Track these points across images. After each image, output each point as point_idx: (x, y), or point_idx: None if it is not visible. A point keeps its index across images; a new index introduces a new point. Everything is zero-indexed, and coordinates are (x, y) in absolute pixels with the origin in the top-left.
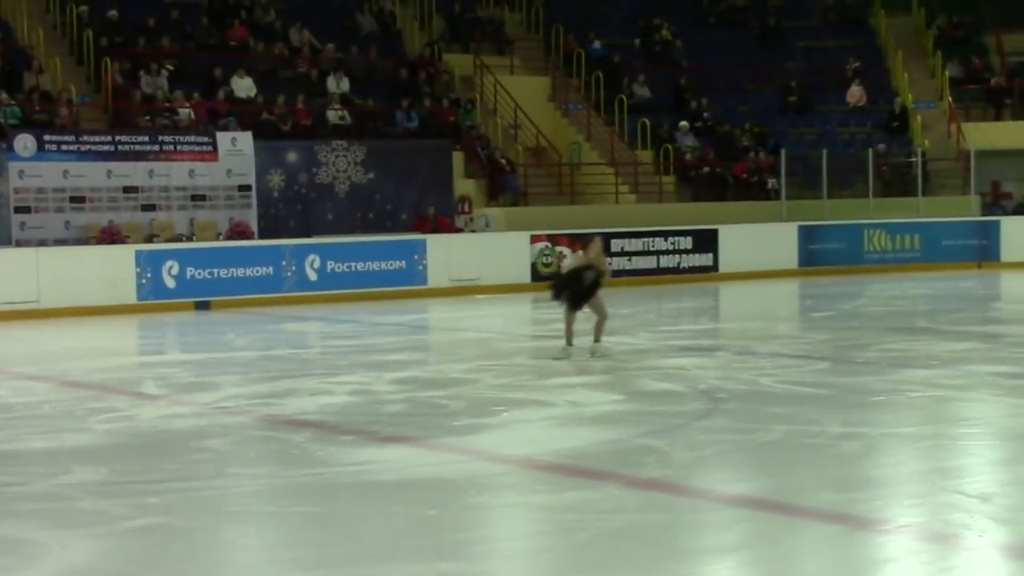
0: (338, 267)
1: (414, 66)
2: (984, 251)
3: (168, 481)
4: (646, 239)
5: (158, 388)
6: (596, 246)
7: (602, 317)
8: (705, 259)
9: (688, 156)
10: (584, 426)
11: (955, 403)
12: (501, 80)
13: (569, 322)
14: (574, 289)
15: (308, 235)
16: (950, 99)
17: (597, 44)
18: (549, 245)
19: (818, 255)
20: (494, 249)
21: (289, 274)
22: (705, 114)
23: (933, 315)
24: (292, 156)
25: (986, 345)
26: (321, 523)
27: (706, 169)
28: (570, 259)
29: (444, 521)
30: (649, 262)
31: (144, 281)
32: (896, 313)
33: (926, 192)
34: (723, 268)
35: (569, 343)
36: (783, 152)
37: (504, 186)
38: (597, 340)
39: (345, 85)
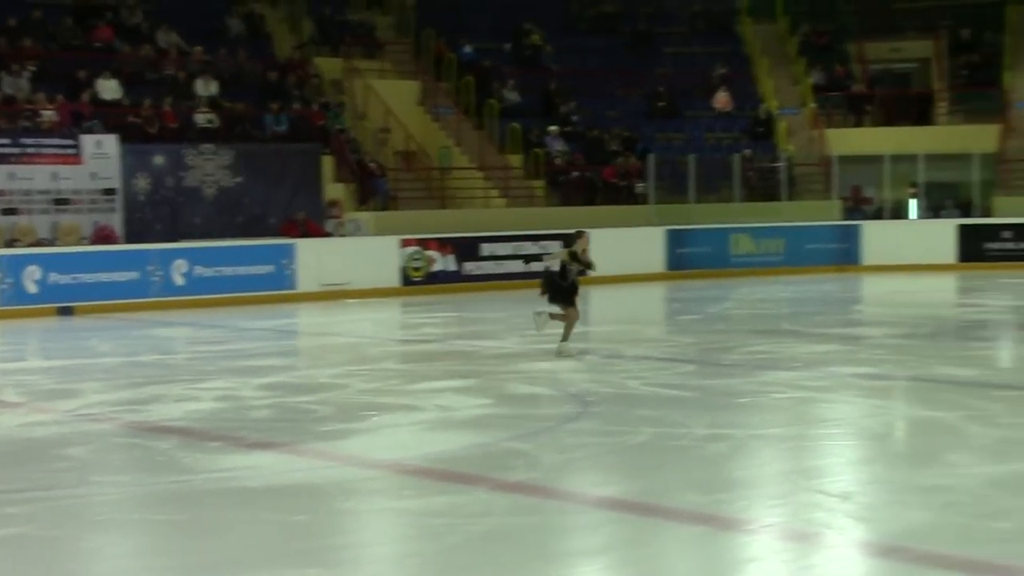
0: (206, 272)
1: (283, 69)
2: (845, 255)
3: (29, 490)
4: (516, 243)
5: (18, 395)
6: (584, 241)
7: (573, 317)
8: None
9: (558, 160)
10: (453, 430)
11: (817, 404)
12: (371, 84)
13: (570, 318)
14: (557, 285)
15: (175, 239)
16: (813, 105)
17: (468, 48)
18: (419, 249)
19: (686, 259)
20: (364, 253)
21: (156, 279)
22: (575, 119)
23: (796, 318)
24: (159, 159)
25: (846, 347)
26: (188, 530)
27: (576, 173)
28: (556, 252)
29: (313, 527)
30: (519, 266)
31: (5, 287)
32: (761, 316)
33: (790, 197)
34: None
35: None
36: (651, 157)
37: (374, 190)
38: (565, 339)
39: (213, 88)
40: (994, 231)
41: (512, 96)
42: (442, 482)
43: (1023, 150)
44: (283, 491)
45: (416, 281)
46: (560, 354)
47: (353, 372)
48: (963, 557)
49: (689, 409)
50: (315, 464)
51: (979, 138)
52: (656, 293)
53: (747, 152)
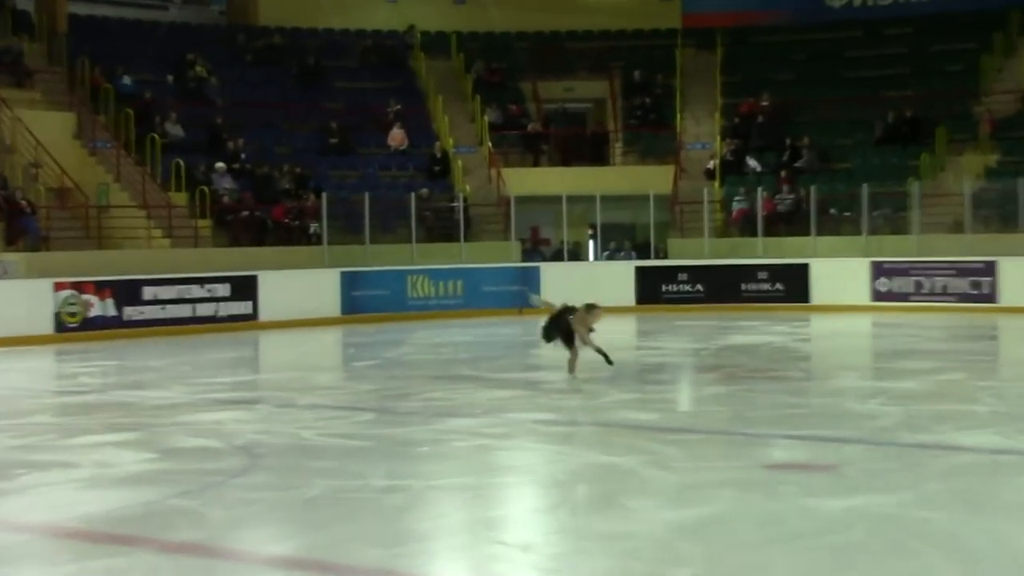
0: None
1: None
2: (523, 297)
3: None
4: (181, 286)
5: None
6: (597, 316)
7: (574, 354)
8: (244, 307)
9: (226, 199)
10: (113, 488)
11: (498, 452)
12: (20, 115)
13: (573, 355)
14: (563, 330)
15: None
16: (490, 144)
17: (127, 79)
18: (75, 293)
19: (361, 302)
20: (13, 298)
21: None
22: (243, 155)
23: (476, 362)
24: None
25: (527, 392)
26: None
27: (245, 212)
28: (542, 300)
29: None
30: (184, 310)
31: None
32: (440, 361)
33: (468, 238)
34: (263, 316)
35: (572, 371)
36: (324, 195)
37: (24, 229)
38: (572, 371)
39: None
40: (670, 273)
41: (175, 130)
42: (101, 544)
43: (695, 192)
44: None
45: (72, 327)
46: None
47: (2, 427)
48: None
49: (366, 460)
50: None
51: (653, 179)
52: (330, 338)
53: (423, 191)
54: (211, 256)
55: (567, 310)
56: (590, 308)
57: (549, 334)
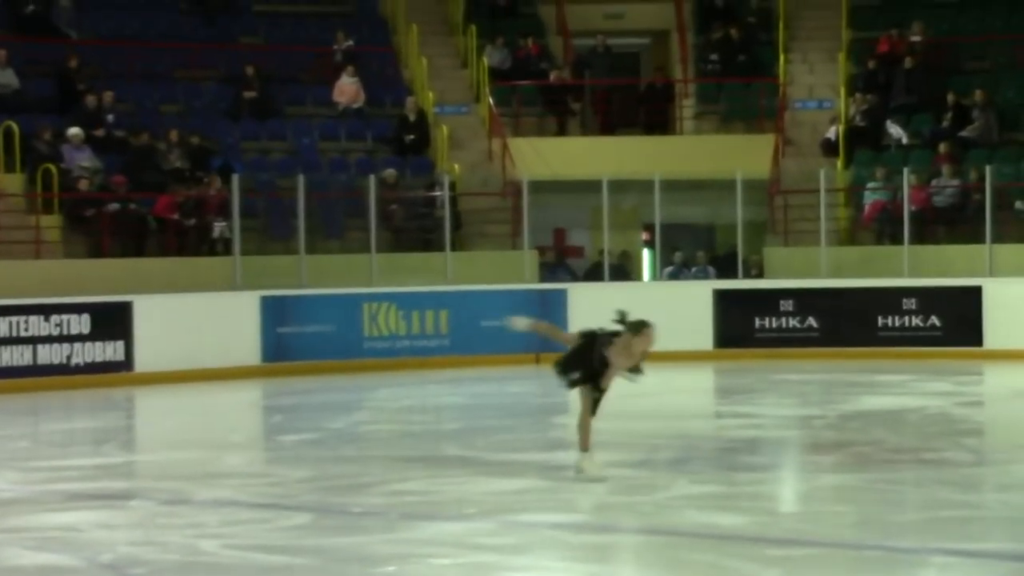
0: None
1: None
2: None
3: None
4: (15, 318)
5: None
6: (647, 340)
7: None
8: (112, 350)
9: (84, 184)
10: None
11: (501, 575)
12: None
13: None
14: (592, 366)
15: None
16: (491, 102)
17: None
18: None
19: (293, 343)
20: None
21: None
22: (110, 117)
23: (468, 437)
24: None
25: (546, 482)
26: None
27: (113, 205)
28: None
29: None
30: (19, 355)
31: None
32: (413, 435)
33: (458, 245)
34: (141, 364)
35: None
36: (236, 179)
37: None
38: (586, 449)
39: None
40: (768, 300)
41: (5, 78)
42: None
43: (806, 176)
44: None
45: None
46: (581, 474)
47: None
48: None
49: None
50: None
51: (742, 156)
52: (245, 398)
53: (389, 173)
54: (61, 272)
55: (600, 338)
56: (638, 328)
57: (570, 372)
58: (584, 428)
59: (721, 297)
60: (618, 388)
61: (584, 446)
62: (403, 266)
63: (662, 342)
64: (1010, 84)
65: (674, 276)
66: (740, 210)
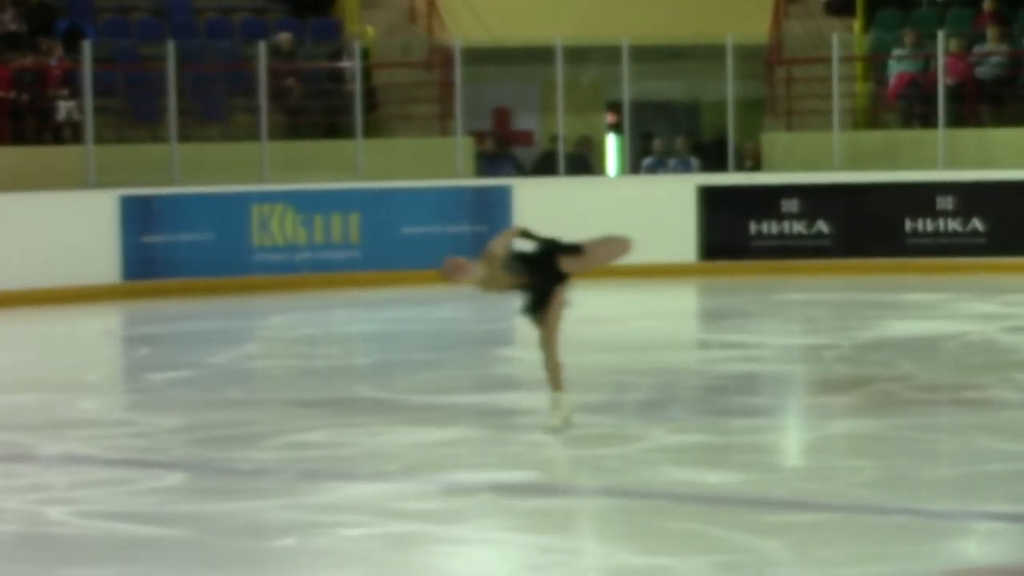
0: None
1: None
2: (477, 243)
3: None
4: None
5: None
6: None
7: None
8: None
9: None
10: None
11: (428, 549)
12: None
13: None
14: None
15: None
16: None
17: None
18: None
19: (162, 255)
20: None
21: None
22: None
23: (385, 374)
24: None
25: (484, 431)
26: None
27: None
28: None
29: None
30: None
31: None
32: (316, 371)
33: (371, 131)
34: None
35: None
36: (87, 44)
37: None
38: (558, 389)
39: None
40: (766, 199)
41: None
42: None
43: (812, 39)
44: None
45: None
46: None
47: None
48: None
49: (176, 564)
50: None
51: (731, 13)
52: (101, 325)
53: (284, 37)
54: None
55: (555, 249)
56: (610, 245)
57: (528, 299)
58: (549, 362)
59: (707, 195)
60: (578, 312)
61: (555, 387)
62: (302, 157)
63: (636, 252)
64: None
65: (650, 170)
66: (731, 85)
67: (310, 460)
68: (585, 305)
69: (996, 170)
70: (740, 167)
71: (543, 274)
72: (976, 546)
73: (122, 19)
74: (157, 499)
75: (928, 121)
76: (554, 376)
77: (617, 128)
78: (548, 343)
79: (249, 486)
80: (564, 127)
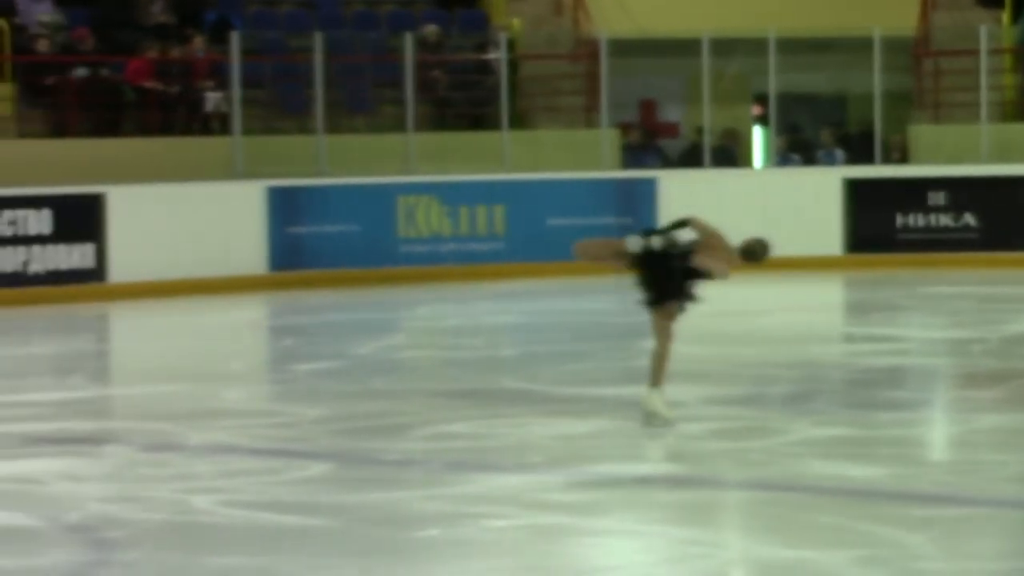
0: None
1: None
2: (624, 234)
3: None
4: None
5: None
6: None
7: (664, 341)
8: (80, 255)
9: (45, 44)
10: None
11: (573, 541)
12: None
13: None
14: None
15: None
16: None
17: None
18: None
19: (308, 246)
20: None
21: None
22: None
23: (531, 366)
24: None
25: (628, 423)
26: None
27: (79, 70)
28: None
29: None
30: None
31: None
32: (461, 362)
33: (517, 122)
34: (116, 273)
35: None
36: (235, 36)
37: None
38: (656, 384)
39: None
40: (914, 191)
41: None
42: None
43: (961, 31)
44: None
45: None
46: (650, 419)
47: None
48: None
49: (319, 553)
50: None
51: (883, 6)
52: (247, 316)
53: (430, 30)
54: (15, 155)
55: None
56: (752, 250)
57: (651, 287)
58: (657, 359)
59: (854, 188)
60: (722, 305)
61: (654, 383)
62: (448, 149)
63: (781, 246)
64: None
65: (794, 162)
66: (878, 77)
67: (454, 451)
68: (729, 298)
69: None
70: (887, 160)
71: (663, 274)
72: None
73: (270, 11)
74: (301, 489)
75: None
76: (657, 368)
77: (763, 120)
78: (661, 333)
79: (393, 477)
80: (710, 119)
